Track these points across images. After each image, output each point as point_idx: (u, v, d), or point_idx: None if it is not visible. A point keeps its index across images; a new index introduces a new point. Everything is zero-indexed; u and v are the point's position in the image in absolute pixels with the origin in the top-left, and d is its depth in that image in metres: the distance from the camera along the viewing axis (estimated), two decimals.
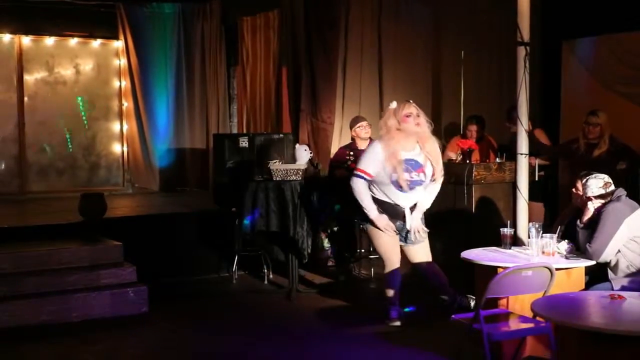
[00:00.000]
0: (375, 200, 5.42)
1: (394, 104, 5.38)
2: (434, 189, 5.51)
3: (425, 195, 5.49)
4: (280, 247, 7.05)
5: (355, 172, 5.43)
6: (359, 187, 5.38)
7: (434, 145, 5.37)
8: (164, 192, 10.28)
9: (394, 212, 5.41)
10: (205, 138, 10.67)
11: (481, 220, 6.21)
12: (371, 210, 5.39)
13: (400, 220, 5.44)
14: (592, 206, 4.70)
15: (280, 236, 7.00)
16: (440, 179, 5.47)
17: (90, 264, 6.25)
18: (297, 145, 8.15)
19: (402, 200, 5.40)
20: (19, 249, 6.13)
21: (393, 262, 5.48)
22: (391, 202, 5.40)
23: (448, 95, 8.04)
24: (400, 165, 5.23)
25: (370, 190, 5.42)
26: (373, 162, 5.33)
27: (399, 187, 5.30)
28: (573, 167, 5.93)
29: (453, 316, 4.26)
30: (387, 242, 5.46)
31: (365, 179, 5.35)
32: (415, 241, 5.51)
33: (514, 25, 5.51)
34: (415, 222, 5.44)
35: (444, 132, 7.96)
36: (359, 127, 7.24)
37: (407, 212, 5.42)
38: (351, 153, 7.28)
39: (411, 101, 5.40)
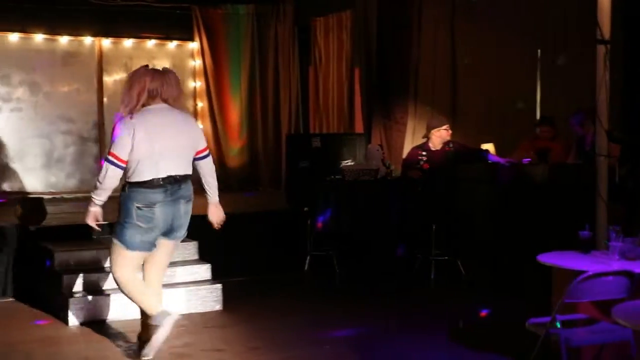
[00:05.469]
0: None
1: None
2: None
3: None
4: (352, 247, 7.06)
5: None
6: None
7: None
8: (236, 192, 10.39)
9: None
10: (278, 138, 10.75)
11: (557, 222, 6.07)
12: None
13: None
14: None
15: (352, 237, 7.01)
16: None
17: None
18: (370, 146, 8.18)
19: None
20: (97, 246, 6.29)
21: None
22: None
23: (522, 95, 7.90)
24: None
25: None
26: None
27: None
28: None
29: (529, 320, 4.18)
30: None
31: None
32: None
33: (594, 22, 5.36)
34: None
35: (516, 134, 7.80)
36: (444, 129, 7.19)
37: None
38: (424, 153, 7.24)
39: (167, 67, 4.79)
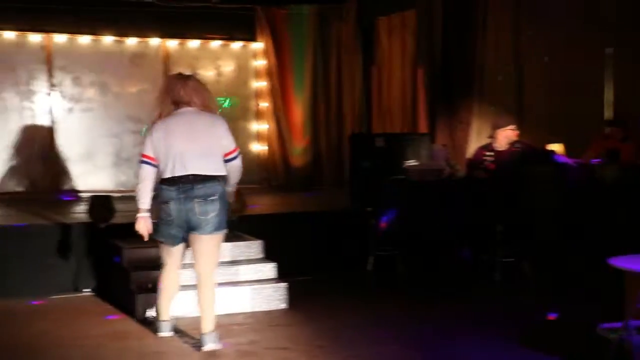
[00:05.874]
0: None
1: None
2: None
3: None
4: (416, 247, 7.02)
5: None
6: None
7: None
8: (300, 191, 10.46)
9: None
10: (341, 138, 10.78)
11: (629, 224, 5.94)
12: None
13: None
14: None
15: (416, 237, 6.96)
16: None
17: (231, 260, 6.45)
18: (434, 145, 8.13)
19: None
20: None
21: None
22: None
23: (591, 95, 7.75)
24: None
25: None
26: None
27: None
28: None
29: (600, 325, 4.10)
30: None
31: None
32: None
33: None
34: None
35: (585, 134, 7.65)
36: (510, 129, 7.10)
37: None
38: (489, 153, 7.16)
39: (196, 74, 5.19)
